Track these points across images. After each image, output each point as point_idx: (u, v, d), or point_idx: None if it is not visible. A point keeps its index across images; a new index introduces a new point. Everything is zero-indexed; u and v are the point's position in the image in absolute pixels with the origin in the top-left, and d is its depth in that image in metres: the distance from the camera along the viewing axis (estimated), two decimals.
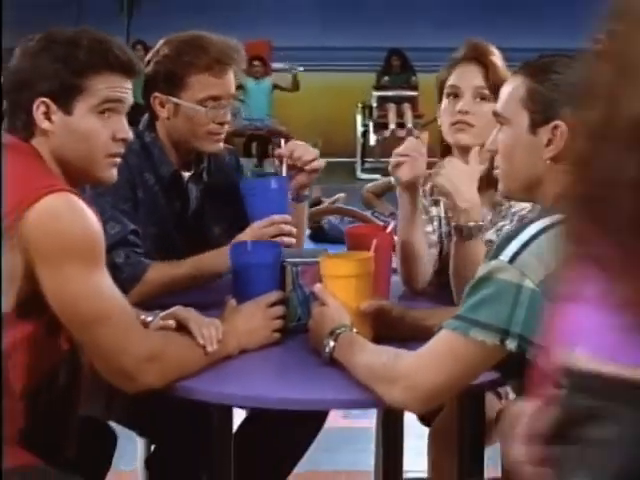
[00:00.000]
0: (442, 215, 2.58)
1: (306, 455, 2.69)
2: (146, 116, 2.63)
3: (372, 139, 13.00)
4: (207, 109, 2.53)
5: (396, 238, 2.44)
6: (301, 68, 12.70)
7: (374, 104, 13.07)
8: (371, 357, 1.88)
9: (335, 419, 4.11)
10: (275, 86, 12.80)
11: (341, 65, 14.67)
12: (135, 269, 2.42)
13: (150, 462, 2.52)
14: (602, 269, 1.05)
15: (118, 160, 2.03)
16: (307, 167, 2.60)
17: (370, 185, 7.84)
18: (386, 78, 13.30)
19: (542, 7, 14.75)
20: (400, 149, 2.44)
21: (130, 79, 2.02)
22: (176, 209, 2.64)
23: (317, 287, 2.08)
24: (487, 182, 2.32)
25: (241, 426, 2.63)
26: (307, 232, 3.02)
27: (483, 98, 2.49)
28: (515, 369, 1.74)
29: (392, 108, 12.68)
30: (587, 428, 1.07)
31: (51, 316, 1.88)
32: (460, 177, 2.29)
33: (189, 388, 1.92)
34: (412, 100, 12.70)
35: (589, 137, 1.09)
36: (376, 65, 13.69)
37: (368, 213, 6.76)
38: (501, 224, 2.39)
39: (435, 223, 2.58)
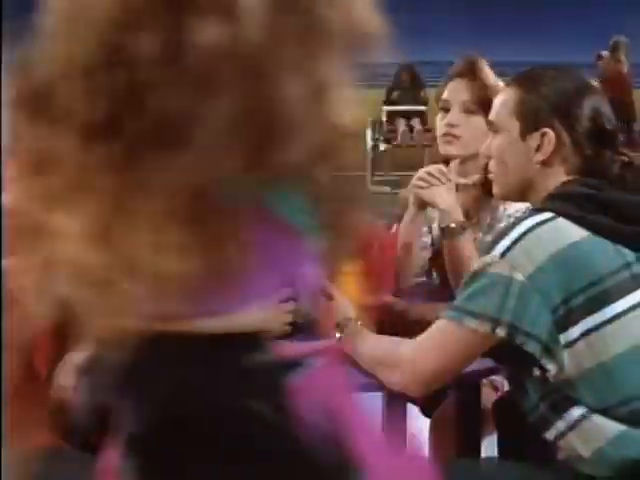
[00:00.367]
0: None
1: None
2: None
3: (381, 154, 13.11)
4: None
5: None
6: None
7: (384, 119, 13.16)
8: (374, 345, 2.04)
9: None
10: None
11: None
12: None
13: None
14: None
15: None
16: None
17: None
18: (396, 93, 13.37)
19: (553, 24, 14.89)
20: (424, 173, 2.58)
21: None
22: None
23: (324, 282, 2.23)
24: (484, 190, 2.49)
25: None
26: None
27: (470, 112, 2.63)
28: (507, 356, 1.89)
29: (401, 123, 12.80)
30: None
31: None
32: (442, 191, 2.50)
33: None
34: (421, 115, 12.80)
35: None
36: (386, 80, 13.82)
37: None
38: (498, 227, 2.53)
39: (431, 226, 2.75)
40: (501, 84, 2.49)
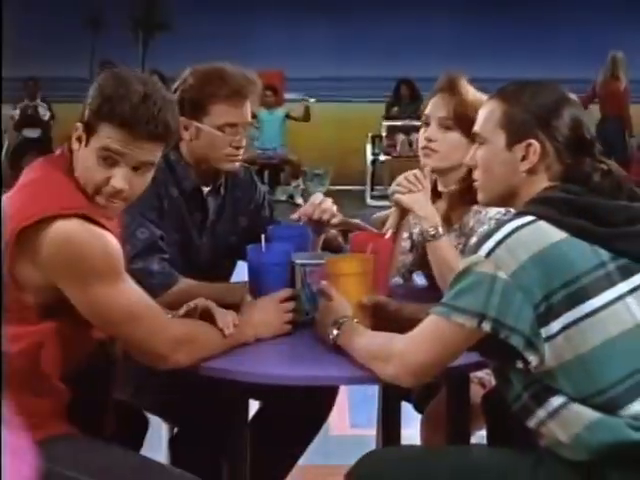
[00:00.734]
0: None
1: (318, 458, 2.95)
2: None
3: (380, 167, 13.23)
4: (224, 134, 2.79)
5: None
6: (313, 100, 12.86)
7: (383, 134, 13.27)
8: (368, 340, 2.17)
9: (343, 428, 4.40)
10: (287, 116, 12.97)
11: (352, 96, 14.92)
12: (167, 279, 2.65)
13: (173, 443, 2.79)
14: None
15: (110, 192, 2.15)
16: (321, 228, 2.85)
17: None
18: (395, 108, 13.45)
19: (552, 39, 14.98)
20: (402, 178, 2.75)
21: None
22: (197, 219, 2.88)
23: (323, 284, 2.37)
24: (466, 197, 2.66)
25: (255, 415, 2.91)
26: None
27: (447, 128, 2.79)
28: (492, 349, 2.02)
29: (401, 138, 12.92)
30: None
31: (78, 314, 2.10)
32: (419, 198, 2.67)
33: (212, 368, 2.19)
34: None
35: None
36: (386, 96, 13.93)
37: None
38: (480, 230, 2.67)
39: (411, 232, 2.93)
40: (484, 98, 2.63)
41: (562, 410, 1.96)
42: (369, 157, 13.47)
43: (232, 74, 2.81)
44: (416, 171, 2.74)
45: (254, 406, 2.88)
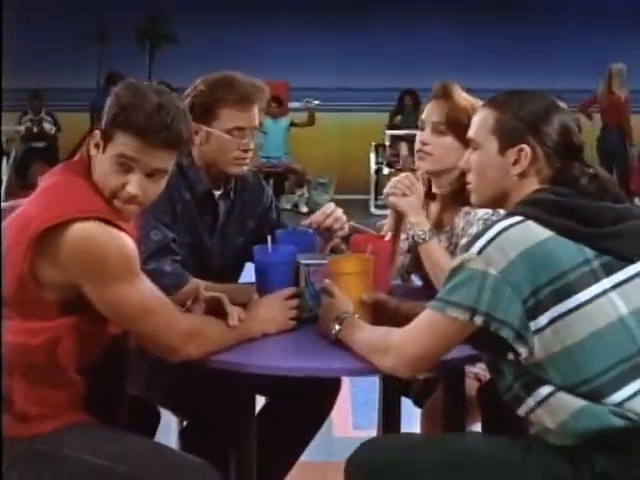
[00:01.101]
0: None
1: (321, 457, 3.04)
2: None
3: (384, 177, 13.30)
4: (233, 138, 2.91)
5: None
6: (317, 101, 12.86)
7: (387, 143, 13.37)
8: (368, 334, 2.30)
9: (347, 430, 4.50)
10: (292, 124, 13.05)
11: (355, 105, 15.02)
12: (178, 279, 2.76)
13: (183, 435, 2.89)
14: None
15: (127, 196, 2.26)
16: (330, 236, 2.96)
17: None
18: (399, 118, 13.54)
19: (553, 51, 15.05)
20: (396, 181, 2.92)
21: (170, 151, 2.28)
22: (208, 222, 3.00)
23: (326, 282, 2.50)
24: (457, 199, 2.82)
25: (261, 410, 3.01)
26: None
27: (440, 132, 2.94)
28: (485, 342, 2.15)
29: (404, 147, 13.00)
30: None
31: (97, 310, 2.22)
32: (411, 201, 2.84)
33: (220, 361, 2.31)
34: None
35: None
36: (390, 105, 14.02)
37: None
38: (470, 231, 2.80)
39: (408, 233, 3.05)
40: (479, 104, 2.77)
41: (550, 398, 2.08)
42: (373, 166, 13.56)
43: (241, 81, 2.93)
44: (409, 174, 2.88)
45: (260, 402, 2.99)
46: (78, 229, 2.15)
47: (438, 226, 2.95)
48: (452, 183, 2.91)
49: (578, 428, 2.05)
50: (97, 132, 2.28)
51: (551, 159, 2.23)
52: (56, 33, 15.23)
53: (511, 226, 2.10)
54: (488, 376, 2.70)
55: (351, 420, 4.66)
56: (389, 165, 13.17)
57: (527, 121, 2.24)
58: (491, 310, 2.06)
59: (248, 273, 2.87)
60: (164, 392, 2.82)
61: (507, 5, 15.59)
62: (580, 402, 2.05)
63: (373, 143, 13.70)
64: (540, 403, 2.10)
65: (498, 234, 2.09)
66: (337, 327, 2.38)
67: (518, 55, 15.13)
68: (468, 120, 2.41)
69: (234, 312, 2.40)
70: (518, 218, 2.12)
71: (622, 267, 2.12)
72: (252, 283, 2.71)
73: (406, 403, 3.19)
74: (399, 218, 2.93)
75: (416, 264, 3.00)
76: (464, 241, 2.46)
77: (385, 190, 2.94)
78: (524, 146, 2.23)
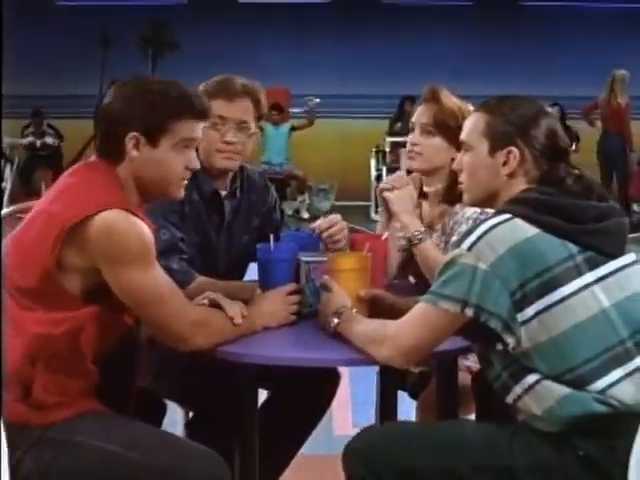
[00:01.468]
0: None
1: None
2: None
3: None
4: (215, 130, 3.00)
5: None
6: (318, 100, 12.90)
7: (387, 149, 13.46)
8: (365, 326, 2.41)
9: (347, 428, 4.58)
10: (292, 128, 13.13)
11: (356, 112, 15.11)
12: (185, 276, 2.86)
13: (189, 427, 3.01)
14: None
15: (185, 182, 2.50)
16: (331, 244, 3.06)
17: None
18: (399, 124, 13.61)
19: (553, 58, 15.12)
20: (389, 179, 3.06)
21: (204, 121, 2.50)
22: (214, 221, 3.12)
23: (325, 278, 2.61)
24: (447, 199, 2.99)
25: (264, 403, 3.14)
26: None
27: (428, 133, 3.09)
28: (475, 333, 2.26)
29: (404, 153, 13.04)
30: None
31: (116, 299, 2.36)
32: (404, 198, 2.97)
33: (226, 352, 2.42)
34: None
35: None
36: (390, 112, 14.12)
37: None
38: (459, 229, 2.95)
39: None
40: (470, 108, 2.91)
41: (536, 386, 2.20)
42: (373, 173, 13.63)
43: (232, 78, 3.07)
44: (402, 173, 3.02)
45: (263, 395, 3.11)
46: (102, 217, 2.29)
47: (430, 225, 3.09)
48: (442, 182, 3.04)
49: (563, 414, 2.17)
50: (134, 134, 2.40)
51: (538, 161, 2.35)
52: (59, 40, 15.36)
53: (500, 223, 2.22)
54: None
55: (351, 418, 4.75)
56: (389, 171, 13.24)
57: (516, 125, 2.35)
58: (481, 302, 2.18)
59: (252, 273, 2.98)
60: (172, 384, 2.94)
61: (507, 12, 15.69)
62: (565, 389, 2.17)
63: (373, 149, 13.78)
64: (527, 391, 2.21)
65: (487, 231, 2.21)
66: (336, 320, 2.48)
67: (518, 62, 15.20)
68: (455, 121, 2.55)
69: (236, 309, 2.50)
70: (506, 216, 2.24)
71: (605, 262, 2.24)
72: (255, 281, 2.82)
73: (402, 396, 3.30)
74: (389, 213, 3.07)
75: (408, 265, 3.14)
76: (454, 239, 2.58)
77: (380, 186, 3.08)
78: (513, 148, 2.34)
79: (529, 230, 2.21)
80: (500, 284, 2.17)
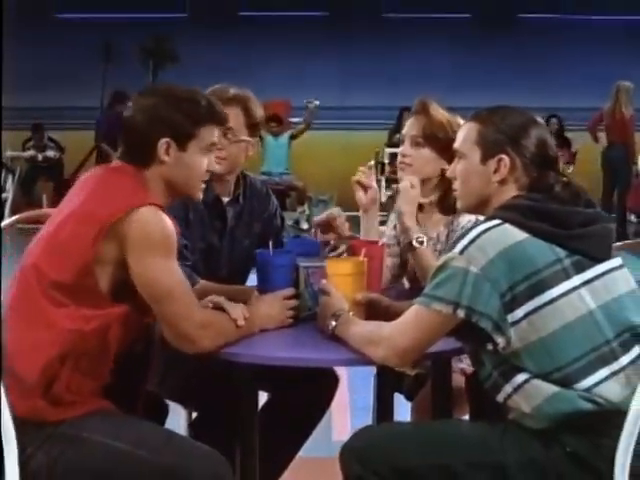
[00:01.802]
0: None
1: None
2: None
3: (384, 195, 13.41)
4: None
5: None
6: (317, 101, 12.96)
7: (386, 160, 13.54)
8: (361, 328, 2.49)
9: (346, 433, 4.62)
10: (292, 136, 13.19)
11: (356, 124, 15.18)
12: (188, 280, 2.91)
13: (193, 427, 3.09)
14: None
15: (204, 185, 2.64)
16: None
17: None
18: (397, 136, 13.67)
19: (554, 70, 15.18)
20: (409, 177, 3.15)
21: (222, 127, 2.68)
22: (217, 227, 3.21)
23: (323, 282, 2.69)
24: (441, 208, 3.08)
25: (264, 405, 3.22)
26: None
27: (417, 144, 3.19)
28: (467, 333, 2.34)
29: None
30: None
31: (141, 299, 2.45)
32: (409, 201, 3.04)
33: (225, 352, 2.49)
34: None
35: None
36: (390, 124, 14.18)
37: None
38: (455, 235, 3.00)
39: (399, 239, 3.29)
40: (459, 120, 3.00)
41: (526, 385, 2.28)
42: None
43: (226, 87, 3.19)
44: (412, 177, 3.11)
45: (263, 398, 3.18)
46: (140, 212, 2.42)
47: (424, 234, 3.17)
48: (432, 192, 3.13)
49: (551, 412, 2.25)
50: (165, 140, 2.53)
51: (528, 169, 2.44)
52: (60, 52, 15.45)
53: (490, 228, 2.31)
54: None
55: (349, 424, 4.80)
56: (388, 182, 13.30)
57: (507, 134, 2.44)
58: (472, 304, 2.26)
59: (254, 279, 3.04)
60: (176, 386, 3.02)
61: (507, 24, 15.76)
62: (553, 388, 2.25)
63: (373, 161, 13.79)
64: (517, 389, 2.30)
65: (478, 235, 2.30)
66: (333, 323, 2.56)
67: (517, 74, 15.26)
68: (444, 133, 2.64)
69: (239, 312, 2.59)
70: (497, 221, 2.33)
71: (591, 266, 2.33)
72: (255, 287, 2.90)
73: (399, 398, 3.38)
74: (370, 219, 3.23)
75: (403, 270, 3.23)
76: (449, 244, 2.65)
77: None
78: (503, 156, 2.44)
79: (518, 235, 2.29)
80: (490, 286, 2.25)
